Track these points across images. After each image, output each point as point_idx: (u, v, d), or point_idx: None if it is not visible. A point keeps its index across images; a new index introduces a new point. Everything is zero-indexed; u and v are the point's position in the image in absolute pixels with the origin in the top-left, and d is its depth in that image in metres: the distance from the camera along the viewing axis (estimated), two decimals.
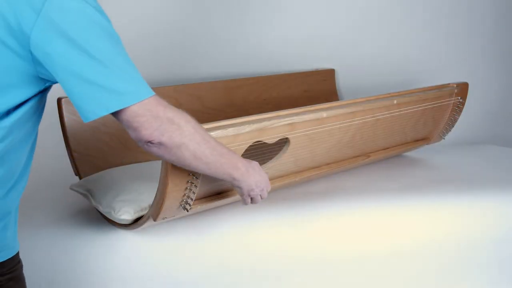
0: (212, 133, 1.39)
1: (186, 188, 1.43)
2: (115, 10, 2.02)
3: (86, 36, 0.97)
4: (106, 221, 1.72)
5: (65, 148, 1.97)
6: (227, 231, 1.68)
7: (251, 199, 1.37)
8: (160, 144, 1.06)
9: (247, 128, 1.49)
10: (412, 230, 1.80)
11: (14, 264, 1.14)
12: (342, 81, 2.87)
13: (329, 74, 2.82)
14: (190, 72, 2.53)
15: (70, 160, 1.98)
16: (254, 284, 1.63)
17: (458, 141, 2.71)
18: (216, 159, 1.18)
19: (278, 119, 1.59)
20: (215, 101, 2.39)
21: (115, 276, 1.58)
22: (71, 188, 1.80)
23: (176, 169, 1.37)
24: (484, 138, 2.89)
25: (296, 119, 1.62)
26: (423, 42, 2.93)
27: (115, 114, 1.02)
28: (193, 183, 1.42)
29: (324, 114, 1.71)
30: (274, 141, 1.61)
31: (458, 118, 2.26)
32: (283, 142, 1.67)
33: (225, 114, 2.34)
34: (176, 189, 1.41)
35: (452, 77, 2.61)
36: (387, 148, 2.15)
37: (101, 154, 2.01)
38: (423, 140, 2.30)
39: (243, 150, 1.52)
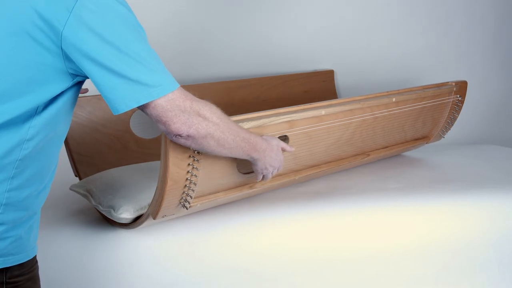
0: None
1: (185, 185, 1.43)
2: None
3: (116, 32, 1.02)
4: (106, 221, 1.72)
5: (65, 149, 1.97)
6: (226, 231, 1.67)
7: (263, 176, 1.49)
8: (188, 136, 1.14)
9: (245, 126, 1.49)
10: (411, 230, 1.80)
11: (32, 265, 1.16)
12: (341, 82, 2.87)
13: (329, 75, 2.82)
14: (190, 73, 2.53)
15: (70, 161, 1.98)
16: (252, 284, 1.63)
17: (458, 141, 2.71)
18: (238, 144, 1.27)
19: (276, 116, 1.59)
20: (215, 101, 2.35)
21: (115, 276, 1.58)
22: (71, 189, 1.79)
23: (176, 166, 1.37)
24: (484, 138, 2.89)
25: (295, 116, 1.62)
26: (423, 43, 2.94)
27: (145, 109, 1.07)
28: (192, 181, 1.42)
29: (323, 112, 1.71)
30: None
31: (457, 117, 2.26)
32: (282, 140, 1.67)
33: None
34: (175, 187, 1.41)
35: (452, 77, 2.61)
36: (387, 146, 2.15)
37: (100, 155, 2.02)
38: (423, 139, 2.30)
39: None
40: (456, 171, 2.20)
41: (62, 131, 1.14)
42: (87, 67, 1.02)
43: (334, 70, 2.85)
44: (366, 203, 1.84)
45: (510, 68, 3.02)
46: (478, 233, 1.83)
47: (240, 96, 2.48)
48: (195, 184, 1.43)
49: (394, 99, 1.93)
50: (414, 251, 1.76)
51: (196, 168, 1.41)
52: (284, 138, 1.66)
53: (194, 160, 1.40)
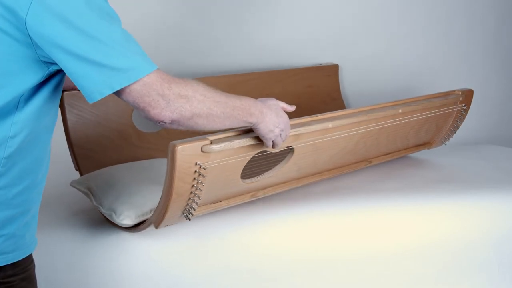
0: (218, 145, 1.38)
1: (189, 198, 1.42)
2: (115, 8, 2.00)
3: (82, 16, 0.95)
4: (107, 221, 1.71)
5: (66, 143, 1.96)
6: (227, 232, 1.68)
7: (273, 142, 1.37)
8: (173, 121, 1.04)
9: (252, 141, 1.45)
10: (411, 230, 1.81)
11: (27, 264, 1.14)
12: (345, 76, 2.85)
13: (333, 69, 2.80)
14: (192, 67, 2.52)
15: (71, 155, 1.97)
16: (252, 284, 1.64)
17: (458, 142, 2.70)
18: (229, 114, 1.16)
19: None
20: None
21: (115, 277, 1.59)
22: (71, 185, 1.78)
23: (181, 181, 1.36)
24: (484, 138, 2.88)
25: (302, 130, 1.59)
26: (426, 39, 2.92)
27: (121, 95, 1.00)
28: (196, 194, 1.42)
29: (330, 125, 1.68)
30: (278, 151, 1.59)
31: (460, 125, 2.24)
32: (287, 152, 1.66)
33: None
34: (179, 199, 1.41)
35: (453, 76, 2.60)
36: (389, 153, 2.15)
37: (102, 149, 2.00)
38: (425, 145, 2.29)
39: (248, 160, 1.51)
40: (456, 171, 2.20)
41: (49, 126, 1.09)
42: (56, 55, 0.96)
43: (338, 64, 2.83)
44: (366, 203, 1.84)
45: (510, 69, 3.01)
46: (478, 233, 1.83)
47: (243, 91, 2.44)
48: (199, 197, 1.43)
49: (400, 110, 1.90)
50: (414, 251, 1.77)
51: (201, 182, 1.39)
52: (290, 150, 1.64)
53: (199, 175, 1.38)
